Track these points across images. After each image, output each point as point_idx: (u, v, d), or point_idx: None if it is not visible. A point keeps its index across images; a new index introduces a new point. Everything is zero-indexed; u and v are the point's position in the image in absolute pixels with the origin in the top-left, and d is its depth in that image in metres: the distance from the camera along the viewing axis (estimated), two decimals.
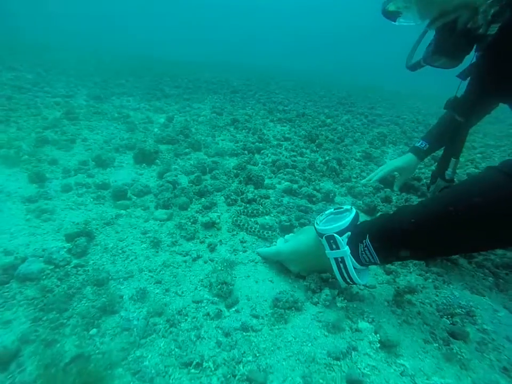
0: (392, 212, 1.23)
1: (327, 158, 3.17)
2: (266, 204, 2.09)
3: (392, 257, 1.20)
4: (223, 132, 4.03)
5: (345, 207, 1.30)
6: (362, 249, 1.18)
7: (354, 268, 1.19)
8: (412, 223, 1.08)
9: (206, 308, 1.17)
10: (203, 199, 2.07)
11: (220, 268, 1.35)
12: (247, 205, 2.08)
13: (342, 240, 1.18)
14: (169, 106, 5.05)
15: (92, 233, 1.48)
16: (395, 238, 1.12)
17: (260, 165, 2.93)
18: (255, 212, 1.96)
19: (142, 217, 1.76)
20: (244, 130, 4.13)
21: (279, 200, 2.21)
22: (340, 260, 1.20)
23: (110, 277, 1.25)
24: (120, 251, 1.44)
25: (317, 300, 1.28)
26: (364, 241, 1.17)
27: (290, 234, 1.65)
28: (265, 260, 1.52)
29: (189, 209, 1.92)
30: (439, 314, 1.29)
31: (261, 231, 1.70)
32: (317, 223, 1.28)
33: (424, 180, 2.97)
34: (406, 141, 4.74)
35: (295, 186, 2.43)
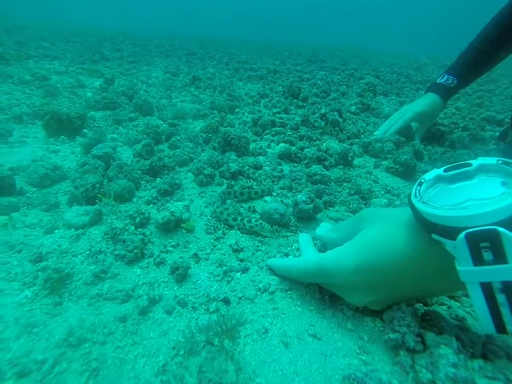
0: None
1: (322, 111, 2.42)
2: (261, 176, 1.32)
3: None
4: (181, 92, 3.12)
5: (477, 161, 0.56)
6: None
7: None
8: None
9: None
10: (158, 180, 1.26)
11: (202, 337, 0.57)
12: (232, 182, 1.30)
13: None
14: (109, 70, 3.97)
15: None
16: None
17: (236, 126, 2.13)
18: (246, 192, 1.19)
19: (39, 225, 0.92)
20: (208, 90, 3.25)
21: (278, 169, 1.45)
22: (498, 287, 0.49)
23: None
24: None
25: (429, 375, 0.57)
26: None
27: (323, 225, 0.92)
28: (285, 281, 0.79)
29: (134, 200, 1.11)
30: None
31: (265, 225, 0.94)
32: (419, 198, 0.55)
33: (447, 122, 2.34)
34: (396, 91, 4.13)
35: (293, 148, 1.68)
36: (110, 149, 1.39)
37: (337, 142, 2.03)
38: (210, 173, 1.29)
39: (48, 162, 1.22)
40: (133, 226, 0.90)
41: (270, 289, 0.76)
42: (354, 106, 2.99)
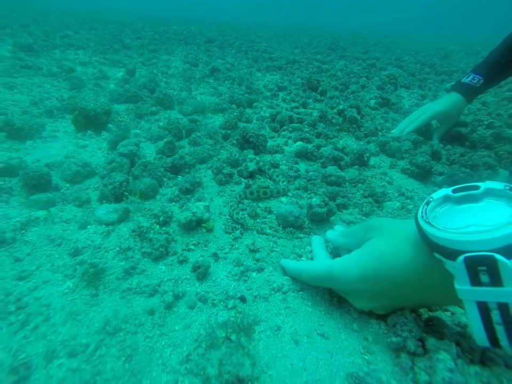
0: None
1: (340, 107, 2.41)
2: (278, 176, 1.37)
3: None
4: (201, 84, 3.17)
5: (485, 184, 0.59)
6: None
7: None
8: None
9: None
10: (179, 178, 1.33)
11: (222, 333, 0.64)
12: (250, 181, 1.36)
13: None
14: (131, 59, 4.04)
15: None
16: None
17: (254, 121, 2.17)
18: (262, 192, 1.24)
19: (74, 220, 1.02)
20: (227, 81, 3.28)
21: (294, 168, 1.49)
22: (494, 306, 0.53)
23: None
24: (12, 306, 0.71)
25: (427, 377, 0.63)
26: None
27: (337, 227, 0.97)
28: (297, 282, 0.85)
29: (157, 198, 1.19)
30: None
31: (247, 219, 1.04)
32: (425, 219, 0.59)
33: (470, 119, 2.29)
34: (418, 83, 4.01)
35: (310, 146, 1.71)
36: (134, 146, 1.46)
37: (354, 139, 2.04)
38: (229, 172, 1.35)
39: (78, 159, 1.31)
40: (158, 225, 0.98)
41: (283, 289, 0.82)
42: (374, 101, 2.96)
